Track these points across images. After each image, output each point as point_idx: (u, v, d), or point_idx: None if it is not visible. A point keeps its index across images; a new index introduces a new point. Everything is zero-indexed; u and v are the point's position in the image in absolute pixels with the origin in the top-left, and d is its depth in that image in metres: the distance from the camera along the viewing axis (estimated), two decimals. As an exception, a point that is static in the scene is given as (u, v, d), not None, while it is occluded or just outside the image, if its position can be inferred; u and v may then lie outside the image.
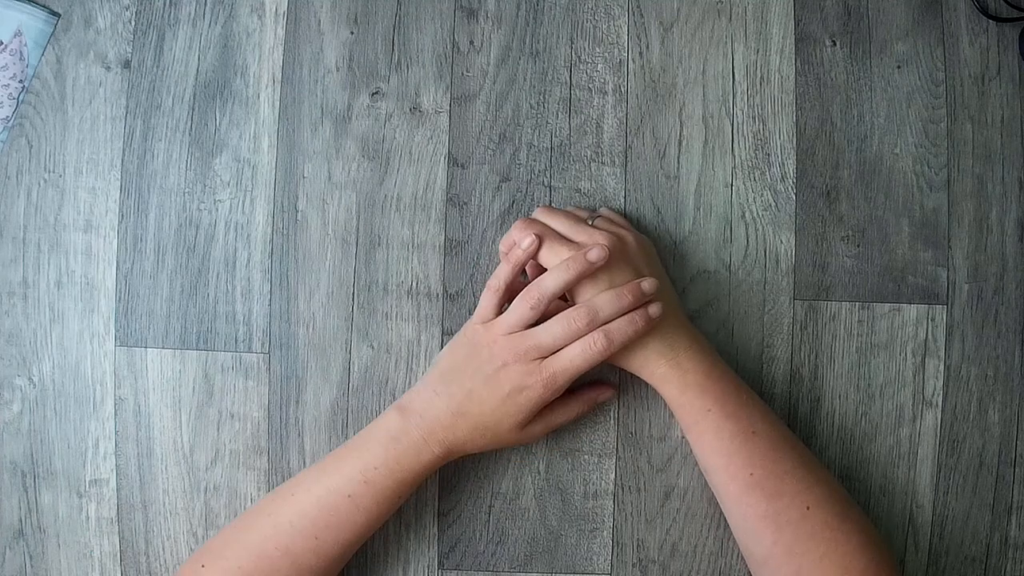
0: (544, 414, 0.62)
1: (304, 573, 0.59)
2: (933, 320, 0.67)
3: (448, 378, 0.61)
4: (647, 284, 0.60)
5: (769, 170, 0.68)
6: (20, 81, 0.68)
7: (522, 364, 0.59)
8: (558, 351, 0.59)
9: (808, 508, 0.58)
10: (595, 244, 0.59)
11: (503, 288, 0.61)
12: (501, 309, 0.61)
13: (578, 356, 0.59)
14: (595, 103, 0.68)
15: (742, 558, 0.66)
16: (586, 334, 0.59)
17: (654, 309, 0.60)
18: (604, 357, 0.59)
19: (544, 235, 0.61)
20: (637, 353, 0.61)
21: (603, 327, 0.59)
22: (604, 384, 0.66)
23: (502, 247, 0.63)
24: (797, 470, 0.59)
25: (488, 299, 0.61)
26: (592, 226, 0.62)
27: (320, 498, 0.59)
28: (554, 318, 0.59)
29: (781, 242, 0.68)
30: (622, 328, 0.59)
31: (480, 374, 0.60)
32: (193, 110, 0.68)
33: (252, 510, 0.62)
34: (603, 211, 0.66)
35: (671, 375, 0.61)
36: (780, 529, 0.58)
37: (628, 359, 0.61)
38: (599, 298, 0.59)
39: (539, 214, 0.64)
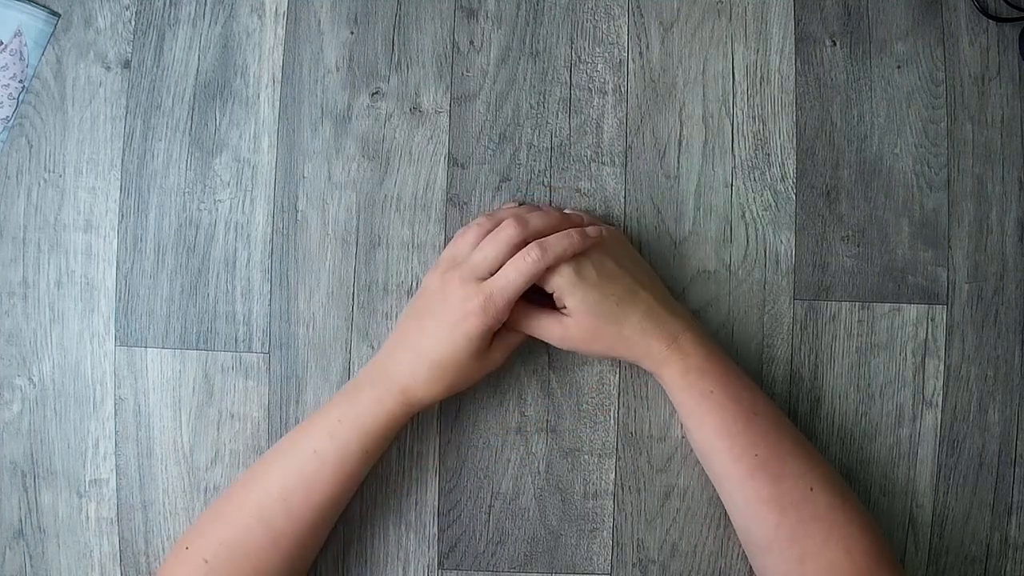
0: (500, 337, 0.61)
1: (280, 540, 0.59)
2: (933, 320, 0.67)
3: (404, 325, 0.62)
4: (592, 230, 0.60)
5: (769, 170, 0.68)
6: (20, 81, 0.68)
7: (460, 290, 0.59)
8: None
9: (811, 489, 0.58)
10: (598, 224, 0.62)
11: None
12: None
13: (512, 271, 0.58)
14: (595, 103, 0.68)
15: (742, 557, 0.66)
16: (519, 247, 0.59)
17: (592, 229, 0.60)
18: (539, 269, 0.58)
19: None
20: (637, 340, 0.60)
21: (539, 240, 0.59)
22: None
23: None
24: (798, 451, 0.59)
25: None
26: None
27: (287, 456, 0.60)
28: (485, 239, 0.60)
29: (781, 242, 0.68)
30: (558, 241, 0.59)
31: (427, 311, 0.60)
32: (193, 110, 0.68)
33: (230, 486, 0.62)
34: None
35: (672, 358, 0.61)
36: (784, 512, 0.58)
37: (629, 347, 0.61)
38: (531, 215, 0.61)
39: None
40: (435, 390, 0.60)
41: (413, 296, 0.64)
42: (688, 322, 0.62)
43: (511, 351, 0.63)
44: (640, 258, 0.65)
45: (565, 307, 0.60)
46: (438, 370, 0.59)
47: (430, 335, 0.59)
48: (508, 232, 0.59)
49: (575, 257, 0.60)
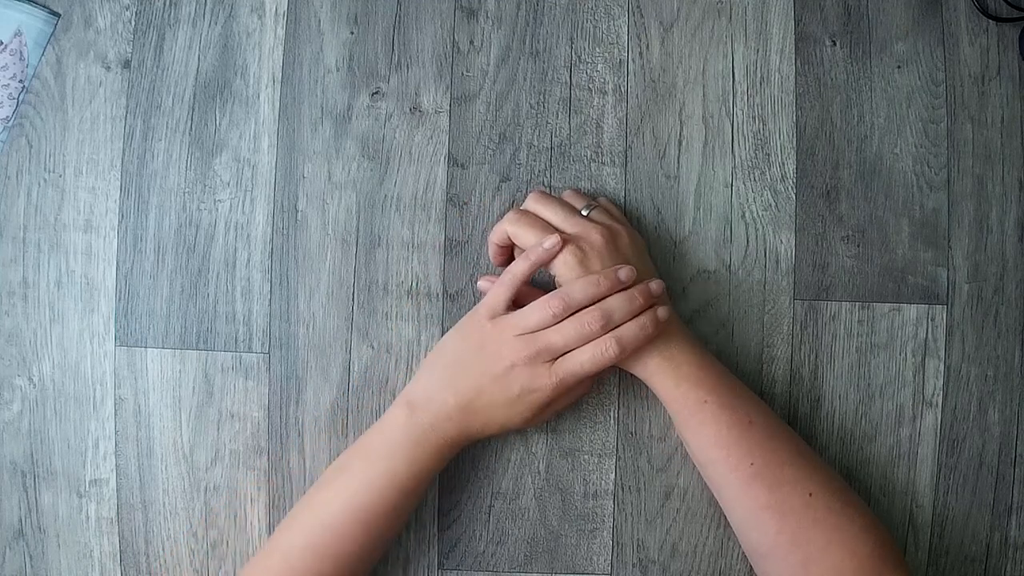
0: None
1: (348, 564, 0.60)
2: (933, 320, 0.67)
3: (455, 372, 0.61)
4: (655, 285, 0.61)
5: (769, 170, 0.68)
6: (20, 81, 0.68)
7: (531, 367, 0.59)
8: (567, 353, 0.60)
9: (811, 495, 0.58)
10: (624, 265, 0.60)
11: (518, 285, 0.61)
12: (510, 305, 0.61)
13: (588, 361, 0.59)
14: (595, 103, 0.68)
15: (742, 558, 0.66)
16: (598, 337, 0.59)
17: (662, 312, 0.60)
18: (615, 363, 0.60)
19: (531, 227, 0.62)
20: (631, 356, 0.61)
21: (614, 332, 0.59)
22: None
23: (493, 239, 0.64)
24: (796, 458, 0.60)
25: (501, 294, 0.61)
26: (586, 217, 0.63)
27: (354, 512, 0.60)
28: (567, 320, 0.59)
29: (781, 242, 0.68)
30: (633, 333, 0.59)
31: (489, 374, 0.60)
32: (193, 110, 0.68)
33: (283, 527, 0.62)
34: (601, 200, 0.66)
35: (664, 368, 0.61)
36: (784, 518, 0.58)
37: (624, 363, 0.62)
38: (611, 300, 0.60)
39: (532, 202, 0.64)
40: (484, 437, 0.62)
41: (461, 334, 0.62)
42: (682, 333, 0.62)
43: (557, 413, 0.65)
44: (653, 267, 0.65)
45: None
46: (492, 426, 0.61)
47: (490, 399, 0.60)
48: (595, 327, 0.59)
49: (596, 261, 0.61)
